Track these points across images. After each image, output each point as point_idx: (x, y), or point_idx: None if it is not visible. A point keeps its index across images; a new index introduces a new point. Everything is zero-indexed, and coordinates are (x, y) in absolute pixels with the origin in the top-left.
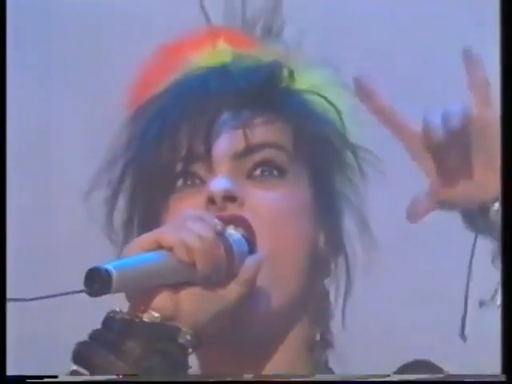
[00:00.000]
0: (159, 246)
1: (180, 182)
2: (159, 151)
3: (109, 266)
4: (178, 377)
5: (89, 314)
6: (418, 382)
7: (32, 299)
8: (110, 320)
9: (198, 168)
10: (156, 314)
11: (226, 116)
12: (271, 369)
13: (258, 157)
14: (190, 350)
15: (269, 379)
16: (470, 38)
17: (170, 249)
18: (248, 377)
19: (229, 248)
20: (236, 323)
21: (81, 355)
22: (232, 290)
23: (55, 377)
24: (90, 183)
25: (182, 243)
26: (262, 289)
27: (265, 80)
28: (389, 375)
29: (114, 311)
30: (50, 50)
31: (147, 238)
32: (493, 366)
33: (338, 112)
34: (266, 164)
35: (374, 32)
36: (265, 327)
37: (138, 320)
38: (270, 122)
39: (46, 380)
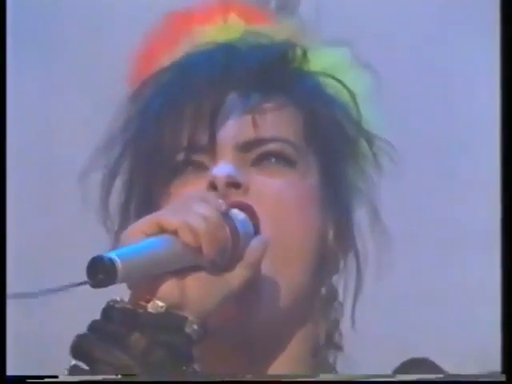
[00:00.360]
0: (162, 230)
1: (181, 167)
2: (160, 131)
3: (112, 255)
4: (180, 369)
5: (91, 314)
6: (419, 382)
7: (32, 294)
8: (110, 310)
9: (201, 157)
10: (161, 304)
11: (232, 98)
12: (273, 367)
13: (265, 148)
14: (196, 341)
15: (269, 379)
16: (470, 38)
17: (174, 232)
18: (247, 377)
19: (234, 229)
20: (239, 314)
21: (81, 349)
22: (237, 274)
23: (55, 377)
24: (85, 165)
25: (186, 225)
26: (266, 278)
27: (276, 59)
28: (390, 375)
29: (114, 301)
30: (50, 44)
31: (149, 221)
32: (493, 366)
33: (352, 95)
34: (273, 154)
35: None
36: (267, 322)
37: (141, 310)
38: (281, 108)
39: (46, 380)
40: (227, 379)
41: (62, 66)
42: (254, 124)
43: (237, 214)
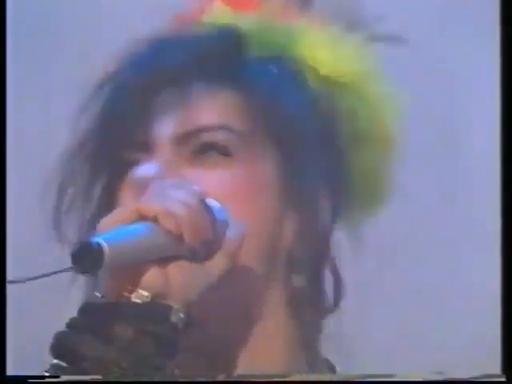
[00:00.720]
0: (141, 217)
1: (124, 167)
2: (105, 132)
3: (99, 239)
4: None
5: None
6: (419, 382)
7: (19, 281)
8: (90, 305)
9: (139, 155)
10: (146, 293)
11: (170, 92)
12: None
13: (203, 139)
14: (182, 330)
15: (268, 379)
16: (470, 38)
17: (154, 219)
18: (246, 376)
19: (212, 218)
20: (216, 305)
21: (63, 346)
22: (217, 263)
23: (56, 377)
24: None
25: (166, 212)
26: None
27: (221, 47)
28: (390, 375)
29: (93, 295)
30: (50, 44)
31: (127, 209)
32: (493, 366)
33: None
34: (212, 145)
35: None
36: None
37: (124, 301)
38: (221, 97)
39: (46, 380)
40: (227, 379)
41: (62, 65)
42: (191, 114)
43: (212, 202)
